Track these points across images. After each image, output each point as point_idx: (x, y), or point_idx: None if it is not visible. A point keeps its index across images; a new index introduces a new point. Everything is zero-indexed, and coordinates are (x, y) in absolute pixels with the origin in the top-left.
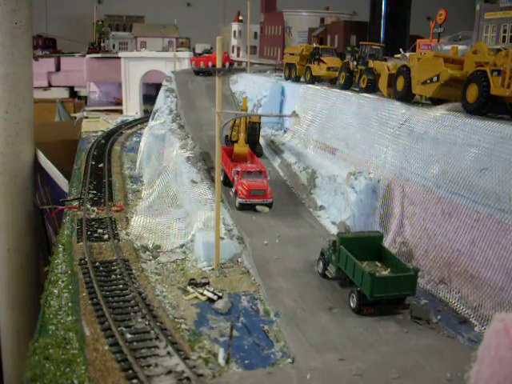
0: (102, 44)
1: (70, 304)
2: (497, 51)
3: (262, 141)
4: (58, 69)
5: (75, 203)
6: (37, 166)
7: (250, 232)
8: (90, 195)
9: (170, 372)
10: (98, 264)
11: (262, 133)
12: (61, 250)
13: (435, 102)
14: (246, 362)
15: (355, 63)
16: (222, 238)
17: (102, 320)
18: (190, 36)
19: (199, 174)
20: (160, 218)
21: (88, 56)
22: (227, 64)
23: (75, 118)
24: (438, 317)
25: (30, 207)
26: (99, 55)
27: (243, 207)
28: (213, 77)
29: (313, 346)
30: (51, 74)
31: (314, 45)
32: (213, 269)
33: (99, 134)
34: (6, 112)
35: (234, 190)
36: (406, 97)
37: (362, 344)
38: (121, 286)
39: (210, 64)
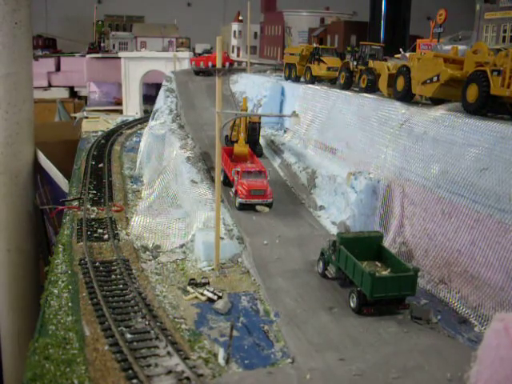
0: (102, 44)
1: (70, 304)
2: (497, 51)
3: (261, 141)
4: (58, 69)
5: (75, 203)
6: (37, 166)
7: (250, 232)
8: (90, 195)
9: (170, 372)
10: (97, 264)
11: (262, 133)
12: (61, 249)
13: (435, 101)
14: (246, 362)
15: (355, 63)
16: (222, 238)
17: (102, 320)
18: (190, 36)
19: (199, 174)
20: (160, 218)
21: (88, 56)
22: (227, 64)
23: (75, 117)
24: (438, 317)
25: (30, 207)
26: (99, 55)
27: (243, 207)
28: (213, 77)
29: (313, 346)
30: (51, 74)
31: (314, 45)
32: (213, 269)
33: (99, 133)
34: (6, 112)
35: (233, 189)
36: (406, 97)
37: (362, 344)
38: (121, 285)
39: (210, 64)
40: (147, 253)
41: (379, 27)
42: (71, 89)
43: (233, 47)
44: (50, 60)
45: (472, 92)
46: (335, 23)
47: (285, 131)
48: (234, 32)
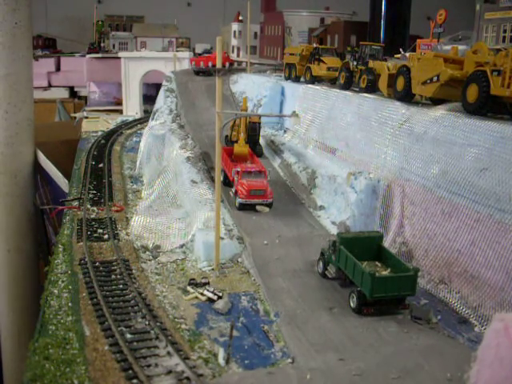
0: (102, 44)
1: (70, 304)
2: (497, 51)
3: (261, 141)
4: (58, 69)
5: (75, 203)
6: (37, 166)
7: (250, 232)
8: (90, 195)
9: (170, 372)
10: (98, 264)
11: (262, 133)
12: (61, 250)
13: (435, 101)
14: (246, 362)
15: (355, 63)
16: (222, 238)
17: (102, 320)
18: (190, 36)
19: (199, 174)
20: (160, 218)
21: (88, 56)
22: (227, 64)
23: (75, 117)
24: (438, 317)
25: (30, 207)
26: (99, 55)
27: (243, 207)
28: (213, 77)
29: (313, 346)
30: (51, 74)
31: (314, 45)
32: (213, 269)
33: (99, 134)
34: (6, 112)
35: (233, 189)
36: (406, 97)
37: (362, 344)
38: (121, 286)
39: (210, 64)
40: (147, 253)
41: (379, 27)
42: (71, 89)
43: (233, 47)
44: (50, 60)
45: (472, 92)
46: (335, 23)
47: (285, 131)
48: (234, 32)
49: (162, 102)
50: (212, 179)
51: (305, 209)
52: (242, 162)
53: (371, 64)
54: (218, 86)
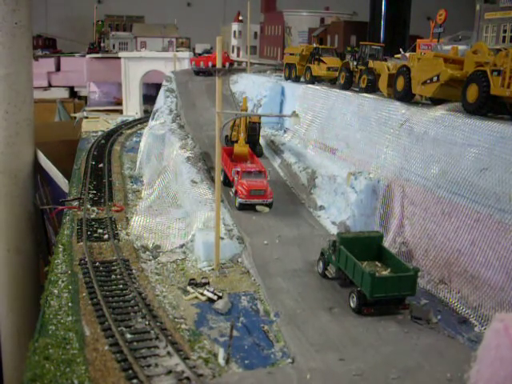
0: (102, 44)
1: (70, 304)
2: (497, 51)
3: (261, 141)
4: (58, 69)
5: (75, 203)
6: (37, 166)
7: (250, 232)
8: (90, 195)
9: (170, 372)
10: (98, 264)
11: (262, 133)
12: (61, 250)
13: (435, 101)
14: (246, 362)
15: (355, 63)
16: (222, 238)
17: (102, 320)
18: (190, 36)
19: (199, 174)
20: (160, 218)
21: (88, 56)
22: (227, 64)
23: (75, 117)
24: (438, 317)
25: (30, 207)
26: (99, 55)
27: (243, 207)
28: (213, 77)
29: (313, 346)
30: (51, 74)
31: (314, 45)
32: (213, 269)
33: (99, 133)
34: (6, 112)
35: (233, 189)
36: (406, 97)
37: (362, 344)
38: (121, 286)
39: (210, 64)
40: (147, 253)
41: (379, 27)
42: (71, 89)
43: (233, 47)
44: (50, 60)
45: (472, 92)
46: (335, 23)
47: (285, 131)
48: (234, 32)
49: (162, 101)
50: (212, 179)
51: (305, 209)
52: (241, 161)
53: (371, 64)
54: (217, 86)
